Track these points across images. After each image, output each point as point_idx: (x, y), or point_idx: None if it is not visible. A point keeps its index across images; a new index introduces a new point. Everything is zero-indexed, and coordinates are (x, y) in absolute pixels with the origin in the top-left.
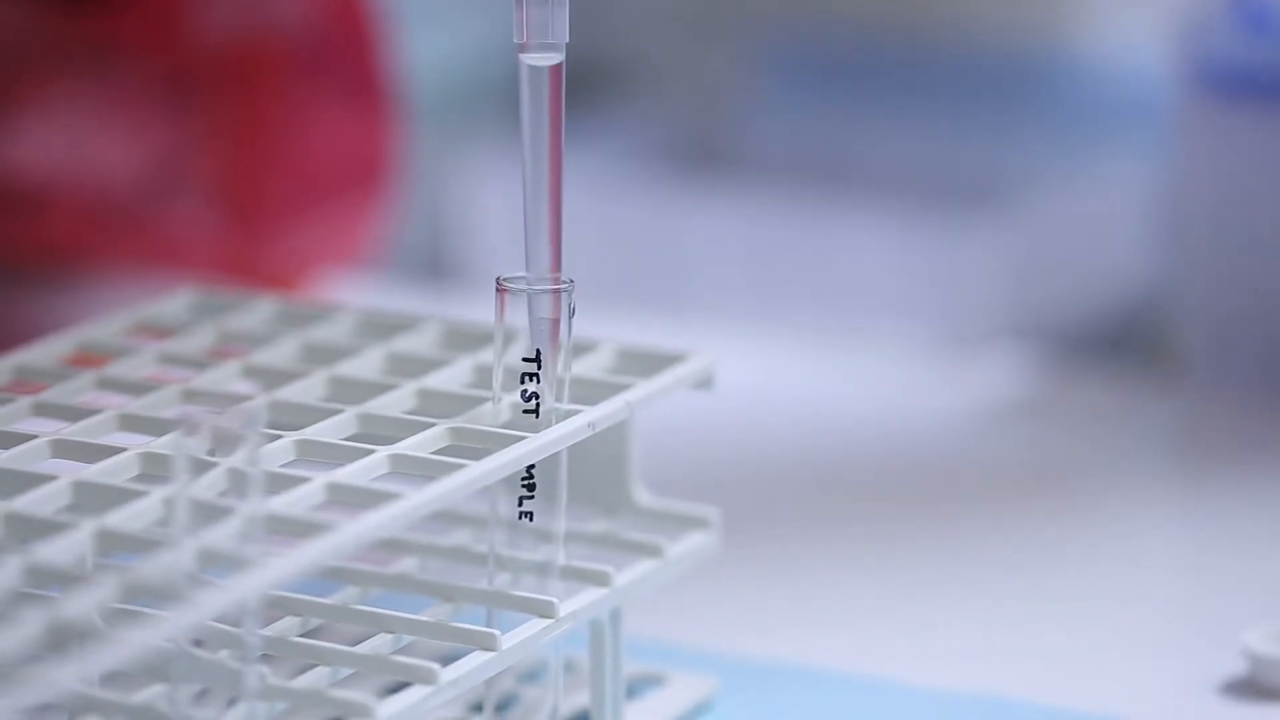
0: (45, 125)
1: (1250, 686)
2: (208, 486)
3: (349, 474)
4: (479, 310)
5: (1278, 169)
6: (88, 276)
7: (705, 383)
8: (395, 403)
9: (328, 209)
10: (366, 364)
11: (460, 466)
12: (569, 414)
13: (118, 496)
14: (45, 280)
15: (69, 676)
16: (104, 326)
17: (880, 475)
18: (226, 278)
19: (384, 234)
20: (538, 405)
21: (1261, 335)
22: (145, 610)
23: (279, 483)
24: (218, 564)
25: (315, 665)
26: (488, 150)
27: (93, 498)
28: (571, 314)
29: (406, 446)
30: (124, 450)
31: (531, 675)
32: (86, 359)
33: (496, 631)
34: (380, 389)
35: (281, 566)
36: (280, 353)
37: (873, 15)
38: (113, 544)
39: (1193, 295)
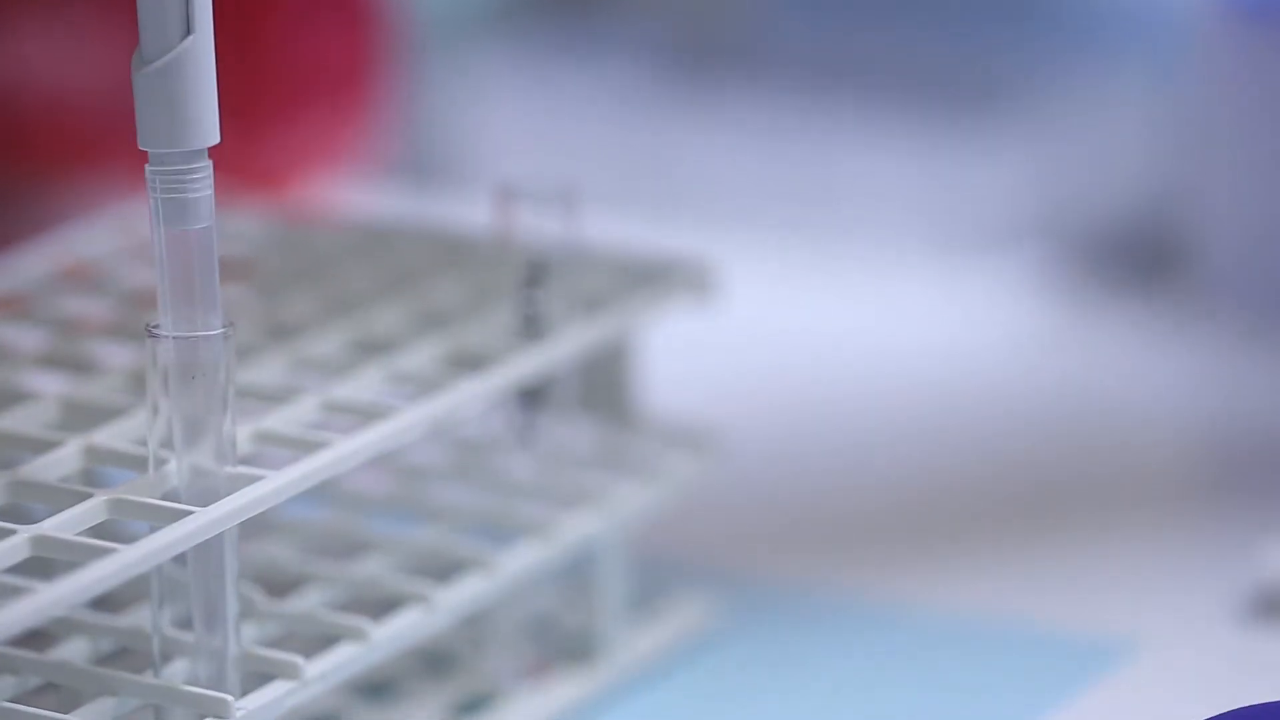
0: (29, 32)
1: (1265, 604)
2: (190, 403)
3: (344, 391)
4: (477, 217)
5: None
6: (71, 185)
7: (707, 291)
8: (391, 317)
9: (319, 111)
10: (361, 277)
11: (456, 385)
12: (567, 329)
13: (104, 414)
14: (27, 189)
15: (52, 603)
16: (91, 233)
17: (888, 387)
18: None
19: (377, 136)
20: (538, 323)
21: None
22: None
23: (270, 398)
24: (204, 482)
25: (308, 587)
26: (488, 54)
27: (79, 414)
28: (571, 221)
29: (402, 363)
30: (109, 364)
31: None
32: (72, 268)
33: (490, 556)
34: (376, 303)
35: (273, 482)
36: (269, 264)
37: None
38: (98, 461)
39: (1213, 203)
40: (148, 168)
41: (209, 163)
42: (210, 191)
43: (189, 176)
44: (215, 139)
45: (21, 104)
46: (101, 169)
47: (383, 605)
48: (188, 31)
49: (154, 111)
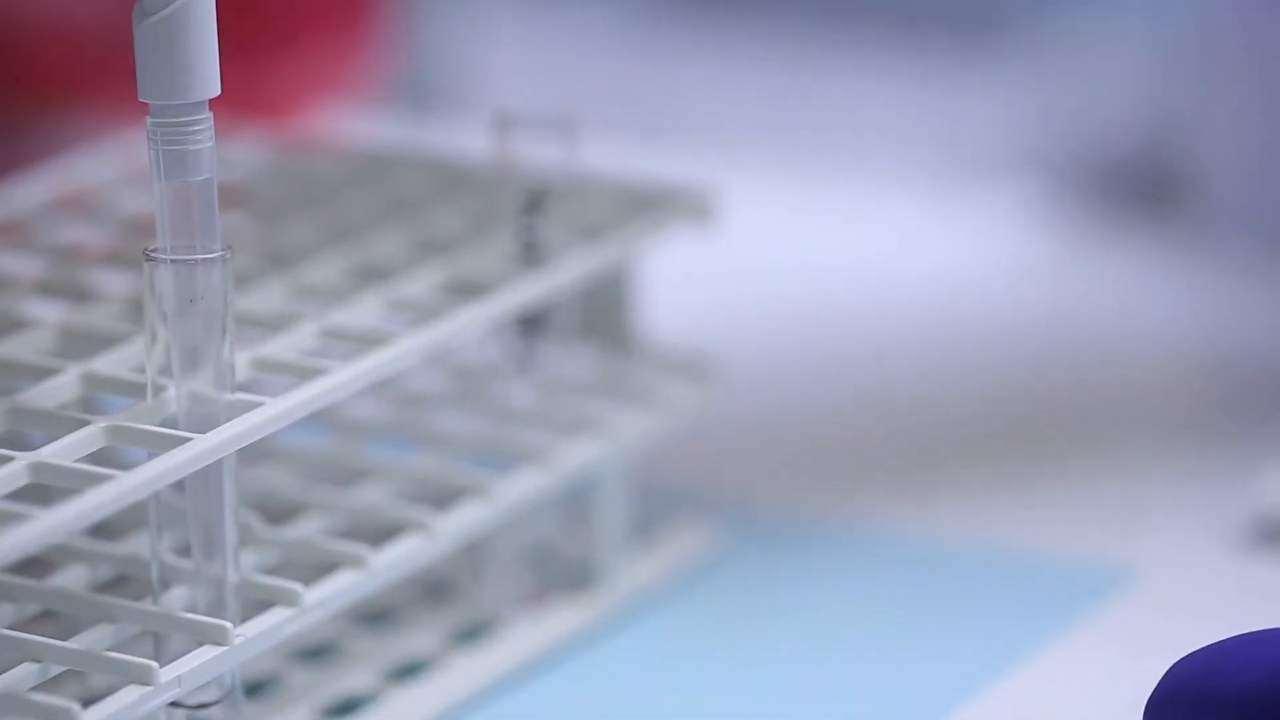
0: None
1: (1265, 532)
2: (189, 330)
3: (343, 318)
4: (476, 144)
5: None
6: (71, 113)
7: (707, 219)
8: (390, 245)
9: (319, 39)
10: (360, 205)
11: (455, 312)
12: (567, 256)
13: (103, 341)
14: (27, 117)
15: (50, 528)
16: (91, 161)
17: (888, 316)
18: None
19: (377, 65)
20: (538, 251)
21: None
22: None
23: (269, 325)
24: (202, 409)
25: (307, 515)
26: None
27: (78, 342)
28: (570, 149)
29: (400, 290)
30: (107, 291)
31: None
32: (72, 196)
33: (490, 484)
34: (374, 231)
35: (272, 409)
36: (269, 192)
37: None
38: (97, 388)
39: (1214, 133)
40: (149, 119)
41: (209, 115)
42: (211, 143)
43: (190, 129)
44: (216, 91)
45: (22, 32)
46: (102, 97)
47: (382, 532)
48: None
49: (155, 64)
